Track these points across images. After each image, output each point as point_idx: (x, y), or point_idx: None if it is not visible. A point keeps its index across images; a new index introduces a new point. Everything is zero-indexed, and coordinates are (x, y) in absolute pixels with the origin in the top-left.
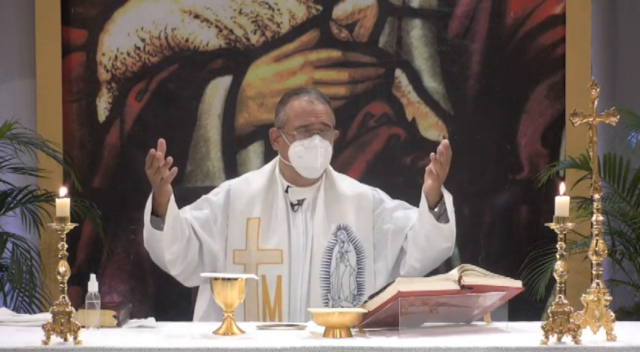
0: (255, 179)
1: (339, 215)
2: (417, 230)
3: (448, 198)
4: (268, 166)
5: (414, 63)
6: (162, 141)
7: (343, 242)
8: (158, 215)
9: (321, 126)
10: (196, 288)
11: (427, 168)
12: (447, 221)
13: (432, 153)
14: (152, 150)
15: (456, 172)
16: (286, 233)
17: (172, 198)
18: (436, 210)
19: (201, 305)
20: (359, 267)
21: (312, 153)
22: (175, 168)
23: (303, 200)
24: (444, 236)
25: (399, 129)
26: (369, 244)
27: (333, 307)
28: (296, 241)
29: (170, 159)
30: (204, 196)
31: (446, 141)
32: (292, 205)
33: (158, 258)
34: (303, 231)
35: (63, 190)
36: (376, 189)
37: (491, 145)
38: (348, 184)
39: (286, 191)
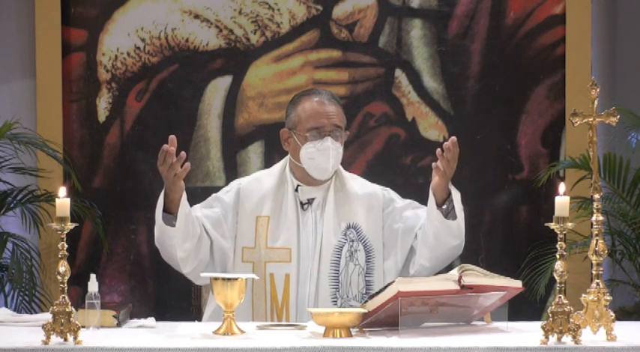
0: (266, 178)
1: (348, 214)
2: (426, 228)
3: (456, 195)
4: (279, 165)
5: (414, 63)
6: (173, 137)
7: (353, 241)
8: (170, 212)
9: (332, 127)
10: (198, 288)
11: (434, 165)
12: (456, 218)
13: (439, 149)
14: (165, 146)
15: (456, 172)
16: (295, 232)
17: (184, 194)
18: (444, 207)
19: (211, 304)
20: (368, 266)
21: (324, 155)
22: (188, 164)
23: (312, 199)
24: (453, 233)
25: (399, 129)
26: (378, 243)
27: (341, 306)
28: (305, 240)
29: (183, 154)
30: (214, 195)
31: (454, 137)
32: (302, 204)
33: (170, 256)
34: (313, 230)
35: (62, 191)
36: (387, 188)
37: (491, 145)
38: (358, 184)
39: (296, 190)
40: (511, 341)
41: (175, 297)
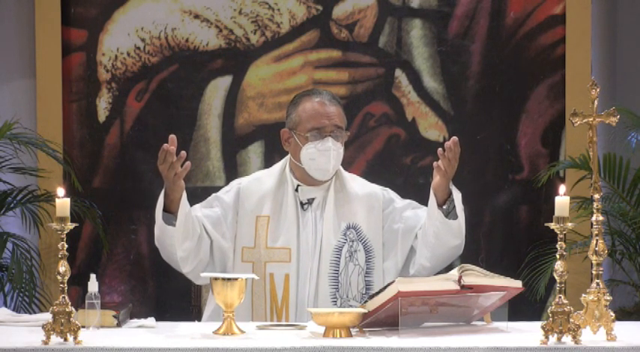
0: (266, 178)
1: (348, 214)
2: (426, 228)
3: (457, 195)
4: (279, 165)
5: (414, 63)
6: (173, 137)
7: (352, 241)
8: (170, 212)
9: (333, 128)
10: (198, 288)
11: (435, 164)
12: (456, 217)
13: (440, 149)
14: (165, 145)
15: (456, 172)
16: (295, 231)
17: (184, 194)
18: (445, 207)
19: (211, 303)
20: (368, 266)
21: (324, 155)
22: (189, 163)
23: (313, 199)
24: (453, 233)
25: (399, 129)
26: (378, 243)
27: (341, 306)
28: (305, 240)
29: (183, 153)
30: (214, 194)
31: (455, 137)
32: (302, 204)
33: (169, 256)
34: (313, 229)
35: (61, 191)
36: (386, 188)
37: (491, 145)
38: (358, 184)
39: (296, 190)
40: (511, 341)
41: (175, 297)
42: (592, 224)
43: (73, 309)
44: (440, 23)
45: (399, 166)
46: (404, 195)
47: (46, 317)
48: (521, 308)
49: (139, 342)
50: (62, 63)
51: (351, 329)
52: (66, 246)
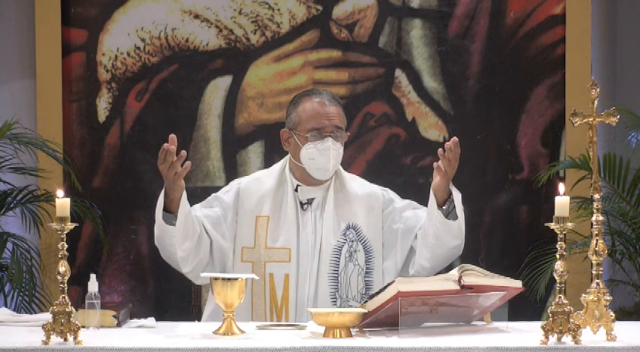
0: (266, 178)
1: (348, 214)
2: (426, 228)
3: (457, 195)
4: (278, 165)
5: (414, 63)
6: (173, 136)
7: (352, 241)
8: (170, 211)
9: (333, 128)
10: (198, 288)
11: (435, 165)
12: (456, 218)
13: (440, 150)
14: (165, 145)
15: (456, 172)
16: (295, 232)
17: (185, 194)
18: (445, 207)
19: (211, 302)
20: (367, 267)
21: (324, 155)
22: (189, 163)
23: (312, 199)
24: (453, 233)
25: (399, 129)
26: (378, 244)
27: (341, 306)
28: (304, 240)
29: (183, 152)
30: (214, 194)
31: (455, 137)
32: (302, 204)
33: (169, 255)
34: (312, 230)
35: (60, 192)
36: (386, 189)
37: (491, 145)
38: (358, 184)
39: (296, 190)
40: (511, 341)
41: (175, 297)
42: (592, 224)
43: (73, 309)
44: (440, 23)
45: (399, 166)
46: (404, 195)
47: (46, 317)
48: (521, 308)
49: (139, 342)
50: (62, 63)
51: (351, 329)
52: (66, 246)
